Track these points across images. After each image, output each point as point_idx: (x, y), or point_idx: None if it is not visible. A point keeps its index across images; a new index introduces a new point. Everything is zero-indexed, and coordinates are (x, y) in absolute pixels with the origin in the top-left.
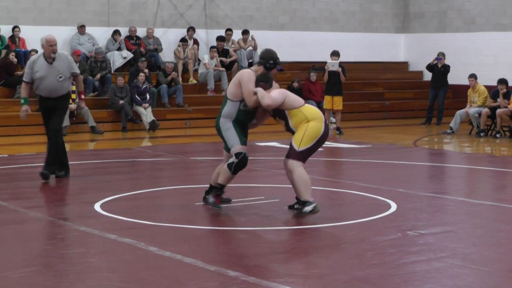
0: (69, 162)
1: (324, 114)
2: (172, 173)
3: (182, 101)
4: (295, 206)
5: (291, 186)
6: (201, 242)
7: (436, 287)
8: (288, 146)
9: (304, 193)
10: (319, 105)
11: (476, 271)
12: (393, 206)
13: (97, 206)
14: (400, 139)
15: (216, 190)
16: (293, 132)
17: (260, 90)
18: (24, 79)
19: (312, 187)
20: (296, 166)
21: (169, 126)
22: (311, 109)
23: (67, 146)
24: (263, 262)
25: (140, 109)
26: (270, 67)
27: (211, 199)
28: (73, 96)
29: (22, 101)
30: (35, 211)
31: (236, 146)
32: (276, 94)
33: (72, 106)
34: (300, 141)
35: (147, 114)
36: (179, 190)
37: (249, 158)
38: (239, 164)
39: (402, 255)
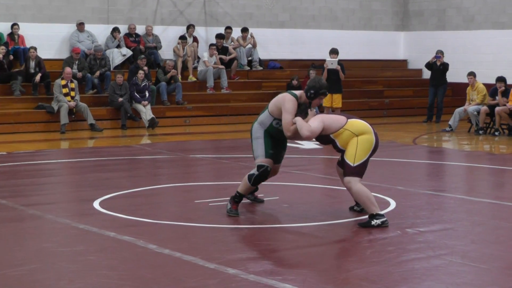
0: (69, 160)
1: (324, 112)
2: (172, 170)
3: (182, 99)
4: (355, 208)
5: (291, 184)
6: (201, 239)
7: (435, 284)
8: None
9: (370, 207)
10: None
11: (475, 268)
12: (392, 204)
13: (96, 204)
14: (400, 136)
15: (235, 198)
16: (341, 151)
17: (299, 120)
18: None
19: (312, 185)
20: (354, 182)
21: (169, 123)
22: (356, 124)
23: (66, 144)
24: (263, 259)
25: (140, 107)
26: (311, 97)
27: (229, 205)
28: (72, 93)
29: None
30: (34, 209)
31: (260, 158)
32: (314, 125)
33: (71, 103)
34: (354, 157)
35: (146, 111)
36: (178, 188)
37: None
38: (259, 177)
39: (401, 253)
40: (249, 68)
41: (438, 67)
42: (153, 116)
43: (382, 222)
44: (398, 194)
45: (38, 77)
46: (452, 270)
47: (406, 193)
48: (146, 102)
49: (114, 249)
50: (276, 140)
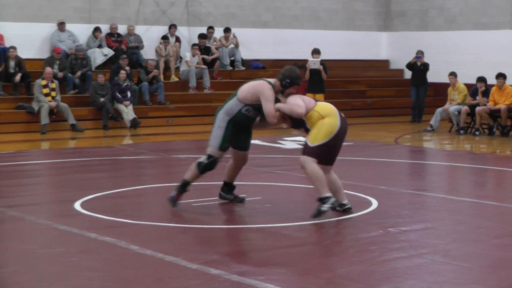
0: (50, 160)
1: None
2: (154, 171)
3: (164, 99)
4: (337, 208)
5: (273, 184)
6: (183, 240)
7: (417, 283)
8: (270, 144)
9: (320, 189)
10: None
11: (457, 267)
12: (375, 203)
13: (77, 205)
14: (382, 136)
15: (180, 186)
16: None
17: (281, 106)
18: None
19: (294, 185)
20: (308, 162)
21: (151, 124)
22: (324, 106)
23: (47, 144)
24: (246, 260)
25: (121, 107)
26: (286, 86)
27: (173, 193)
28: (53, 93)
29: None
30: (14, 210)
31: (213, 148)
32: (299, 102)
33: (52, 103)
34: (314, 137)
35: (128, 111)
36: (160, 188)
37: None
38: (207, 166)
39: (384, 252)
40: (231, 68)
41: (419, 67)
42: (135, 116)
43: (332, 204)
44: (380, 193)
45: (18, 77)
46: (434, 269)
47: (388, 192)
48: (128, 102)
49: (95, 250)
50: (241, 127)
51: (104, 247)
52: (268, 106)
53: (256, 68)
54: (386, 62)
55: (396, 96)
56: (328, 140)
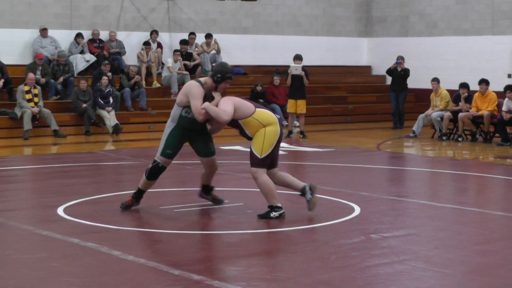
0: (32, 166)
1: (288, 118)
2: (136, 177)
3: (146, 105)
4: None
5: (255, 190)
6: (165, 246)
7: None
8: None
9: (271, 199)
10: (283, 109)
11: (439, 273)
12: (357, 209)
13: (60, 210)
14: (363, 142)
15: (135, 193)
16: (249, 138)
17: (209, 106)
18: None
19: (276, 191)
20: (260, 173)
21: (133, 129)
22: (263, 114)
23: (30, 150)
24: (227, 265)
25: (103, 113)
26: (218, 81)
27: (124, 202)
28: (36, 99)
29: None
30: None
31: (158, 154)
32: (228, 108)
33: (35, 109)
34: (261, 149)
35: (110, 117)
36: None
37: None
38: (151, 171)
39: (365, 258)
40: None
41: (399, 73)
42: (117, 122)
43: (280, 214)
44: (362, 199)
45: (0, 83)
46: (415, 275)
47: (369, 198)
48: (110, 108)
49: (77, 255)
50: (196, 133)
51: (86, 252)
52: (194, 104)
53: (238, 74)
54: (367, 68)
55: (378, 102)
56: (273, 148)
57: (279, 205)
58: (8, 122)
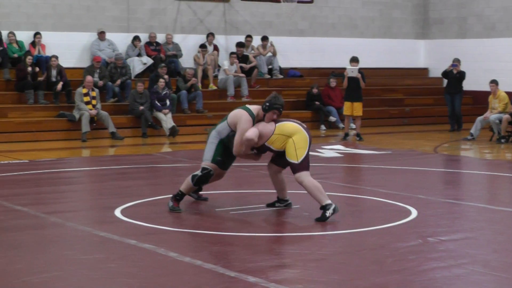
0: (90, 168)
1: (344, 120)
2: None
3: (202, 107)
4: (276, 205)
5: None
6: (221, 248)
7: None
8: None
9: (321, 198)
10: (339, 111)
11: (497, 277)
12: (413, 213)
13: (117, 212)
14: (420, 145)
15: (176, 196)
16: (281, 153)
17: (236, 138)
18: None
19: (332, 193)
20: (304, 176)
21: (189, 132)
22: (284, 127)
23: (87, 152)
24: (283, 268)
25: (160, 115)
26: (265, 109)
27: (170, 203)
28: (94, 102)
29: None
30: (55, 217)
31: (207, 161)
32: (250, 130)
33: (92, 112)
34: (296, 155)
35: (167, 120)
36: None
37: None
38: (202, 178)
39: (422, 262)
40: (269, 76)
41: (455, 75)
42: (174, 124)
43: (334, 210)
44: (419, 202)
45: (59, 86)
46: (473, 279)
47: (427, 201)
48: (166, 111)
49: (134, 257)
50: (228, 149)
51: (143, 253)
52: (237, 137)
53: (294, 77)
54: (424, 70)
55: (435, 105)
56: (307, 150)
57: (329, 201)
58: (66, 124)
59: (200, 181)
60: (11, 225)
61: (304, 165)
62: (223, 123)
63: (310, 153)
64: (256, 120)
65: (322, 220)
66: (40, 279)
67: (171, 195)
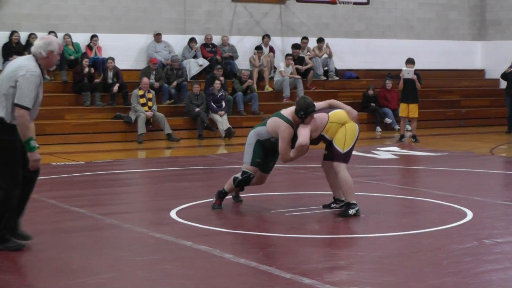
0: (146, 169)
1: (400, 122)
2: None
3: (258, 109)
4: (332, 206)
5: (366, 194)
6: (276, 249)
7: None
8: (364, 154)
9: (349, 195)
10: (395, 113)
11: None
12: (469, 214)
13: (173, 213)
14: (477, 147)
15: (219, 194)
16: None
17: (293, 154)
18: (27, 105)
19: (387, 195)
20: (342, 168)
21: (245, 133)
22: (338, 114)
23: (143, 154)
24: (338, 269)
25: (216, 117)
26: (303, 117)
27: (214, 200)
28: (150, 103)
29: (33, 144)
30: (111, 218)
31: (246, 164)
32: (304, 133)
33: (149, 113)
34: (344, 143)
35: (222, 121)
36: (254, 198)
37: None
38: (242, 181)
39: (478, 264)
40: (325, 78)
41: None
42: (230, 126)
43: (357, 211)
44: (474, 204)
45: (116, 88)
46: None
47: (483, 203)
48: (222, 112)
49: (190, 258)
50: (268, 150)
51: (198, 255)
52: (283, 147)
53: (350, 78)
54: (481, 72)
55: (491, 106)
56: (354, 143)
57: (355, 201)
58: (122, 126)
59: (240, 183)
60: (67, 226)
61: (346, 156)
62: (262, 127)
63: (365, 154)
64: (294, 125)
65: (343, 216)
66: (95, 280)
67: (225, 197)
